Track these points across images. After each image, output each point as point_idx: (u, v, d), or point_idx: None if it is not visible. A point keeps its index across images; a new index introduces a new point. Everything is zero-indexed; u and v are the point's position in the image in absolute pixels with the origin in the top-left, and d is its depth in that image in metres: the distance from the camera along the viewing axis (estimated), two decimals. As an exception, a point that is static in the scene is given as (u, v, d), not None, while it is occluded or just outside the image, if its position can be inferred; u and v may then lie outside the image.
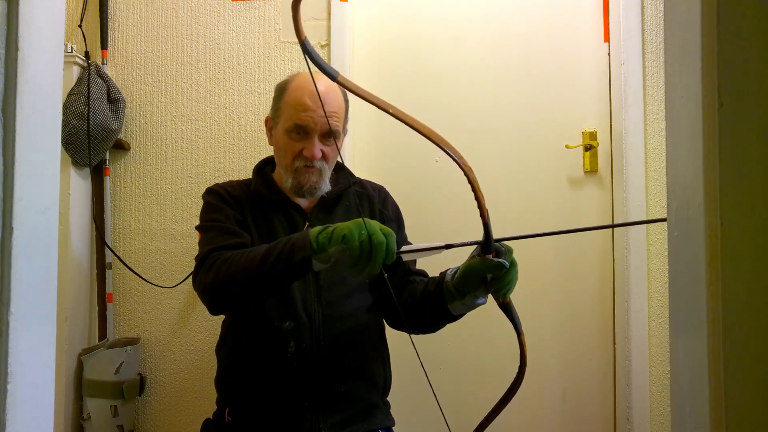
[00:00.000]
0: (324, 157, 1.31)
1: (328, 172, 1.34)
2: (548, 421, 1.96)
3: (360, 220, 1.06)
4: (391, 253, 1.05)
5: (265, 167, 1.43)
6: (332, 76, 0.95)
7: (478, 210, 1.02)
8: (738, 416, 0.52)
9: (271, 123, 1.38)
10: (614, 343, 1.94)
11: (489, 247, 1.08)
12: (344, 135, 1.41)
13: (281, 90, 1.35)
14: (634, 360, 1.86)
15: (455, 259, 1.22)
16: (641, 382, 1.85)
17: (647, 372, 1.85)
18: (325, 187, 1.34)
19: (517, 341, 1.13)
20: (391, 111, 1.00)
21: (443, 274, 1.25)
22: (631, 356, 1.86)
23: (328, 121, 1.25)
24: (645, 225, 1.87)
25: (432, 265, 1.36)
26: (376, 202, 1.45)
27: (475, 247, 1.13)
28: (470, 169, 1.01)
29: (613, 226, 1.95)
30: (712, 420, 0.52)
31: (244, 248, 1.22)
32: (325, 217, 1.36)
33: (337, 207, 1.39)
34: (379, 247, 1.03)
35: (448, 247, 1.10)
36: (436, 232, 1.98)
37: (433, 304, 1.25)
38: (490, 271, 1.10)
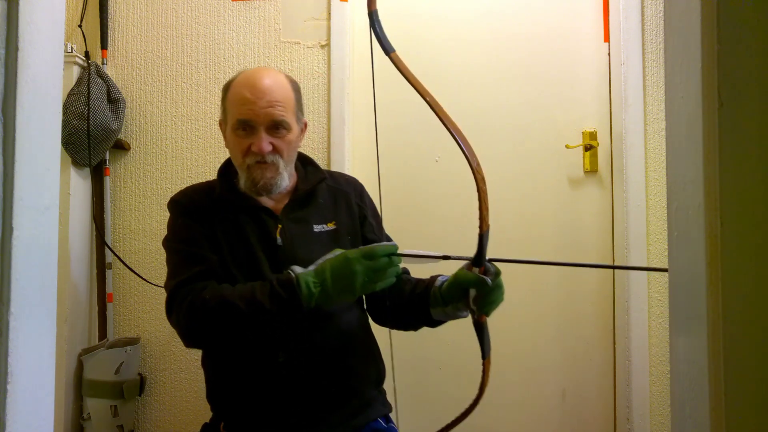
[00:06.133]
0: (276, 151, 1.25)
1: (284, 166, 1.27)
2: (548, 421, 1.96)
3: (346, 254, 1.10)
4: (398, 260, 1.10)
5: (229, 168, 1.36)
6: (387, 50, 1.06)
7: (478, 218, 1.03)
8: (738, 416, 0.52)
9: (223, 125, 1.33)
10: (614, 343, 1.94)
11: (479, 260, 1.08)
12: (302, 127, 1.34)
13: (225, 89, 1.31)
14: (634, 360, 1.85)
15: (449, 266, 1.22)
16: (641, 382, 1.85)
17: (647, 372, 1.85)
18: (283, 182, 1.28)
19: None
20: (428, 99, 1.04)
21: (434, 278, 1.25)
22: (631, 356, 1.86)
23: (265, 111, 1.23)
24: (644, 224, 1.87)
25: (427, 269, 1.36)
26: (352, 197, 1.39)
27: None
28: (483, 179, 1.02)
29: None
30: (712, 420, 0.52)
31: (211, 277, 1.20)
32: (297, 217, 1.30)
33: (309, 206, 1.33)
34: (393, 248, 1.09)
35: (446, 258, 1.11)
36: (435, 232, 1.98)
37: (417, 306, 1.26)
38: (472, 284, 1.10)
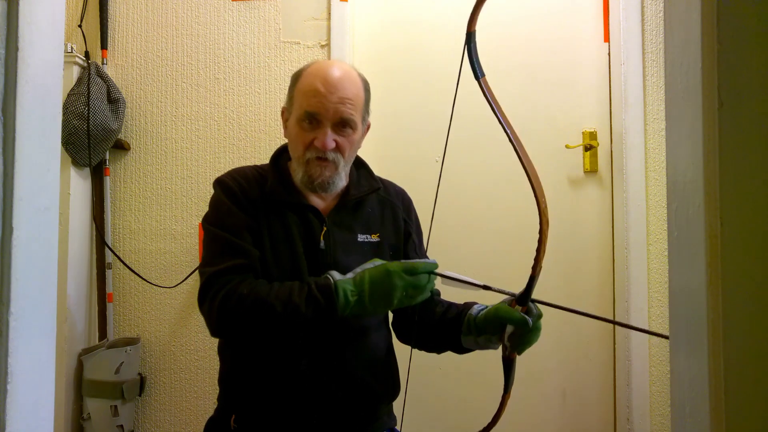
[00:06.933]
0: (338, 149, 1.22)
1: (344, 166, 1.24)
2: (548, 421, 1.96)
3: (386, 266, 1.11)
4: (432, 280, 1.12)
5: (281, 157, 1.34)
6: (478, 75, 1.06)
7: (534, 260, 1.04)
8: (738, 416, 0.52)
9: (286, 114, 1.29)
10: (614, 343, 1.94)
11: (525, 300, 1.09)
12: (365, 128, 1.31)
13: (296, 78, 1.27)
14: (634, 360, 1.86)
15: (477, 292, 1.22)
16: (641, 382, 1.85)
17: (647, 372, 1.85)
18: (340, 182, 1.25)
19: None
20: (510, 131, 1.05)
21: (469, 305, 1.24)
22: (631, 356, 1.86)
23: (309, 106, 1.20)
24: (644, 224, 1.87)
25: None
26: (400, 211, 1.37)
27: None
28: (548, 222, 1.02)
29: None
30: (712, 420, 0.52)
31: (250, 271, 1.18)
32: (343, 223, 1.28)
33: (357, 213, 1.30)
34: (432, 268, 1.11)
35: (486, 288, 1.11)
36: (434, 233, 1.97)
37: (447, 330, 1.25)
38: (513, 322, 1.09)
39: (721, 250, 0.52)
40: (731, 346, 0.52)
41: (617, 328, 1.93)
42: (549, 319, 1.95)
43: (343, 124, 1.22)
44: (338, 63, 1.30)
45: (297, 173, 1.25)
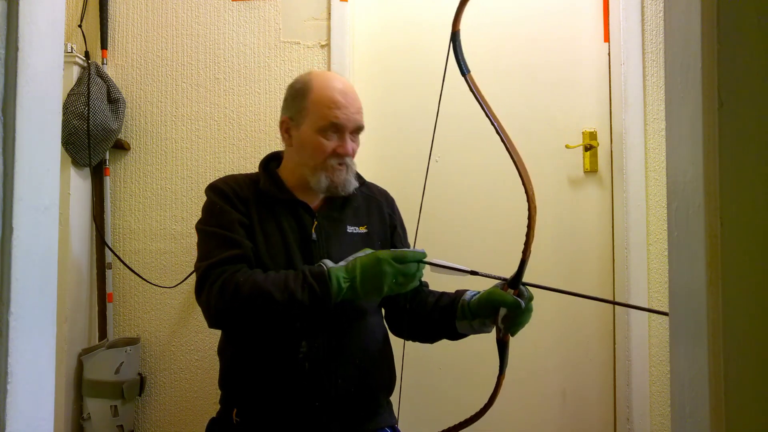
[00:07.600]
0: (353, 153, 1.34)
1: (354, 169, 1.35)
2: (548, 421, 1.96)
3: (377, 254, 1.16)
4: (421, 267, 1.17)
5: (270, 163, 1.41)
6: (464, 71, 1.14)
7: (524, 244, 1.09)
8: (738, 416, 0.52)
9: (289, 124, 1.35)
10: (614, 343, 1.94)
11: (516, 283, 1.14)
12: None
13: (304, 90, 1.33)
14: (634, 360, 1.85)
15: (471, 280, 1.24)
16: (641, 382, 1.85)
17: (647, 372, 1.85)
18: (354, 182, 1.35)
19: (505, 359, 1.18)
20: (496, 123, 1.09)
21: (461, 292, 1.29)
22: (631, 356, 1.86)
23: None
24: (644, 225, 1.87)
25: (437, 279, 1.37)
26: (384, 206, 1.45)
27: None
28: (535, 208, 1.08)
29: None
30: (712, 420, 0.52)
31: (244, 261, 1.22)
32: (332, 216, 1.35)
33: (344, 207, 1.37)
34: (420, 256, 1.16)
35: (474, 273, 1.16)
36: (434, 233, 1.98)
37: (441, 317, 1.29)
38: (505, 305, 1.14)
39: (721, 250, 0.52)
40: (731, 346, 0.52)
41: (617, 329, 1.92)
42: (549, 319, 1.96)
43: (357, 131, 1.34)
44: (337, 75, 1.41)
45: (315, 180, 1.31)
